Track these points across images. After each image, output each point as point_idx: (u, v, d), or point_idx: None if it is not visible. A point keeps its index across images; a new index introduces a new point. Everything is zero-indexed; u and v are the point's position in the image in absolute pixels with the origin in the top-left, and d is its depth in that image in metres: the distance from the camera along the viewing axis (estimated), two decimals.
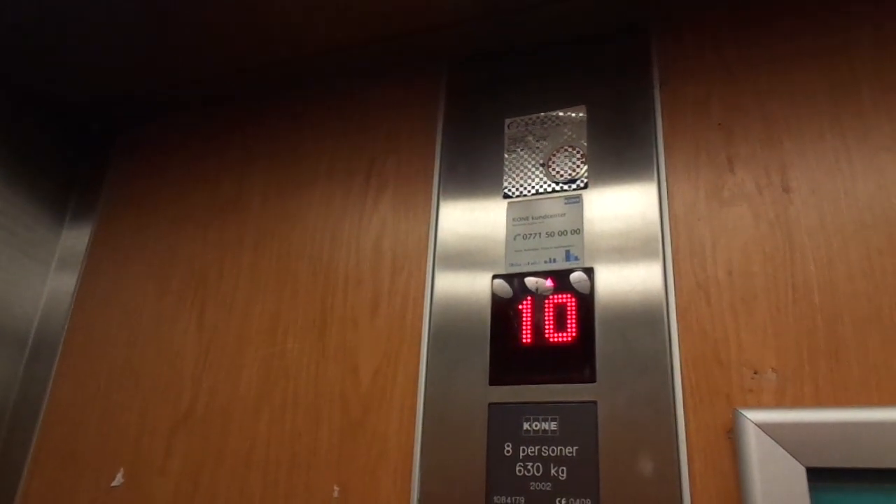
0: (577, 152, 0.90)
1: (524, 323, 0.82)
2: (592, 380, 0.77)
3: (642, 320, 0.78)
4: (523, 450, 0.77)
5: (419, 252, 0.94)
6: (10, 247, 1.11)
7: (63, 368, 1.08)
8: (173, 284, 1.07)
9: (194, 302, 1.04)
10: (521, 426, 0.78)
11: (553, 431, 0.76)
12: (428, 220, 0.95)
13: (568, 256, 0.84)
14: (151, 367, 1.02)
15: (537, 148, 0.93)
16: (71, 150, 1.26)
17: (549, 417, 0.77)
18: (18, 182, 1.15)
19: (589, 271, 0.83)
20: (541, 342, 0.81)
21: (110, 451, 0.98)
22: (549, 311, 0.82)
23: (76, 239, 1.20)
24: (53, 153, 1.23)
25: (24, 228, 1.14)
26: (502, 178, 0.93)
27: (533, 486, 0.75)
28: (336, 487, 0.84)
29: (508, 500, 0.75)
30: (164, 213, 1.15)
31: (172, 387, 0.99)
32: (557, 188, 0.89)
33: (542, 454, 0.76)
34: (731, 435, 0.71)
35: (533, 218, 0.88)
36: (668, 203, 0.84)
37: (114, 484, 0.95)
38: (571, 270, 0.83)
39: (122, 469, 0.96)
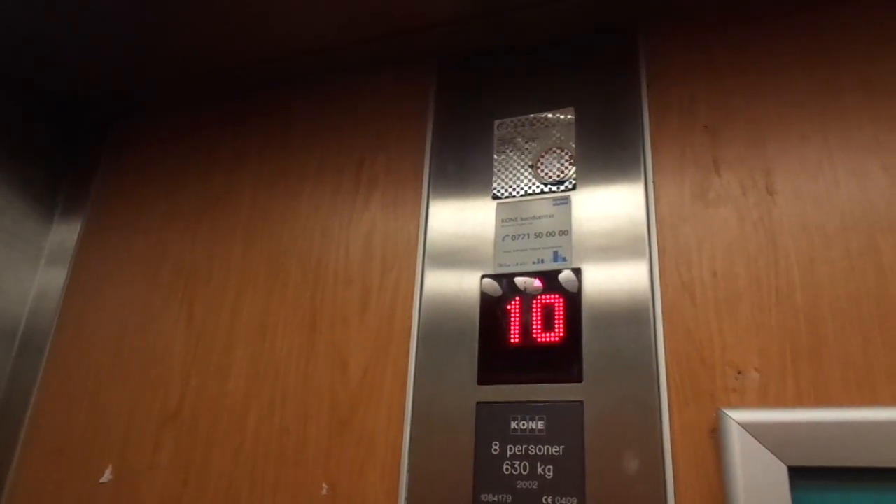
0: (566, 154, 0.91)
1: (512, 323, 0.83)
2: (579, 379, 0.78)
3: (628, 320, 0.79)
4: (510, 449, 0.77)
5: (409, 251, 0.94)
6: None
7: (52, 364, 1.08)
8: (163, 280, 1.07)
9: (184, 298, 1.04)
10: (509, 425, 0.78)
11: (540, 430, 0.77)
12: (417, 219, 0.96)
13: (556, 257, 0.85)
14: (140, 362, 1.02)
15: (526, 149, 0.93)
16: (61, 144, 1.25)
17: (537, 417, 0.78)
18: (8, 175, 1.14)
19: (577, 272, 0.83)
20: (529, 342, 0.82)
21: (98, 447, 0.98)
22: (537, 311, 0.83)
23: (66, 233, 1.19)
24: (44, 147, 1.23)
25: (12, 222, 1.13)
26: (491, 178, 0.93)
27: (520, 484, 0.76)
28: (324, 485, 0.85)
29: (495, 499, 0.76)
30: (155, 208, 1.14)
31: (161, 383, 0.99)
32: (546, 189, 0.90)
33: (529, 453, 0.77)
34: (715, 434, 0.72)
35: (522, 219, 0.89)
36: (655, 204, 0.85)
37: (102, 480, 0.96)
38: (559, 271, 0.84)
39: (110, 465, 0.96)
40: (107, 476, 0.96)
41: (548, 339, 0.81)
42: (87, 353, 1.06)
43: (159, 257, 1.10)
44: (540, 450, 0.76)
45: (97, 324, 1.08)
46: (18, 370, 1.09)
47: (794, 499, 0.65)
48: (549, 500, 0.74)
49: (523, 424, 0.78)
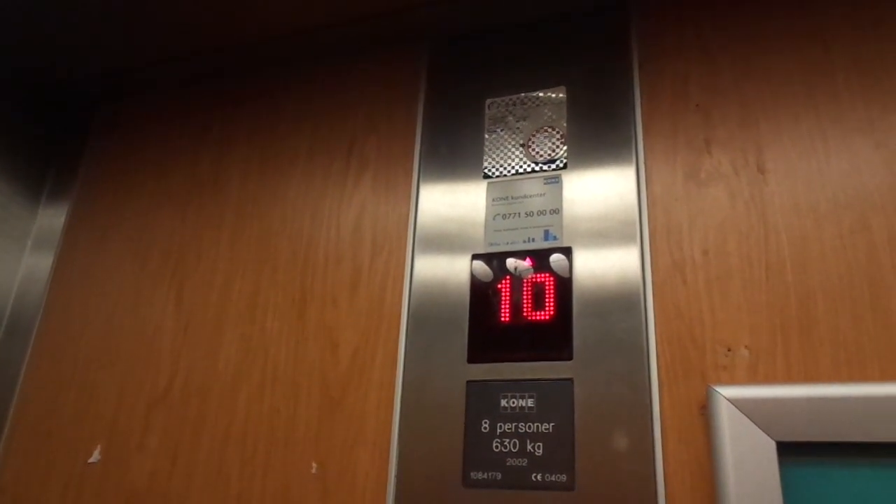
0: (557, 133, 0.91)
1: (503, 301, 0.83)
2: (569, 357, 0.78)
3: (619, 299, 0.79)
4: (500, 426, 0.77)
5: (399, 232, 0.94)
6: None
7: (39, 347, 1.07)
8: (151, 263, 1.06)
9: (172, 280, 1.04)
10: (499, 403, 0.78)
11: (530, 408, 0.77)
12: (408, 200, 0.95)
13: (547, 236, 0.85)
14: (129, 345, 1.01)
15: (517, 128, 0.93)
16: (48, 128, 1.24)
17: (527, 394, 0.78)
18: None
19: (567, 251, 0.83)
20: (519, 320, 0.82)
21: (87, 429, 0.98)
22: (527, 290, 0.83)
23: (53, 217, 1.18)
24: (30, 130, 1.22)
25: None
26: (482, 158, 0.93)
27: (509, 461, 0.75)
28: (314, 464, 0.84)
29: (485, 476, 0.76)
30: (143, 191, 1.14)
31: (150, 364, 0.98)
32: (537, 168, 0.89)
33: (519, 430, 0.76)
34: (705, 411, 0.72)
35: (512, 198, 0.89)
36: (646, 183, 0.85)
37: (91, 460, 0.95)
38: (550, 250, 0.84)
39: (99, 446, 0.96)
40: (95, 456, 0.95)
41: (538, 318, 0.81)
42: (75, 336, 1.05)
43: (148, 240, 1.09)
44: (530, 427, 0.76)
45: (85, 307, 1.07)
46: (5, 353, 1.08)
47: (782, 474, 0.65)
48: (539, 477, 0.74)
49: (513, 402, 0.78)
